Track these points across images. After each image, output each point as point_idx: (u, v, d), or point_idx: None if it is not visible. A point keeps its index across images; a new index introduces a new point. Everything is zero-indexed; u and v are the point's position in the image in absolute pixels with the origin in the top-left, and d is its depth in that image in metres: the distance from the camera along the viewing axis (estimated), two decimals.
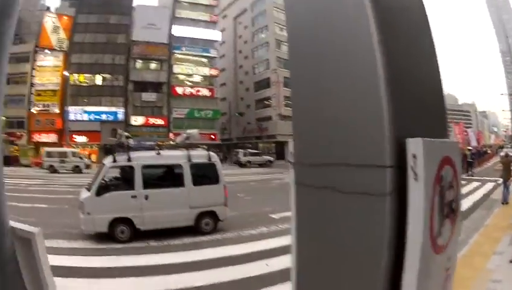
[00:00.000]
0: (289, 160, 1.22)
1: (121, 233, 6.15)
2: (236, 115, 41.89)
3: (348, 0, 0.96)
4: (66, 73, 32.02)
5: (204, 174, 7.03)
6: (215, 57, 40.72)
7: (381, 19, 0.86)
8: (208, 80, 39.61)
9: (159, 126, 35.86)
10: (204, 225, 6.72)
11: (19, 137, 33.23)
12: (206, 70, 39.34)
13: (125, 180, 6.71)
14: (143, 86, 35.52)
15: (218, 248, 5.78)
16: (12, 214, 1.46)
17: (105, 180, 6.46)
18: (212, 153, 7.14)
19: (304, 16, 1.12)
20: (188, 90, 37.55)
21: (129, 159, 6.46)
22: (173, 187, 6.65)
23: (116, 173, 7.04)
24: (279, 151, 35.38)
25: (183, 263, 4.91)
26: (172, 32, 37.40)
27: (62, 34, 36.10)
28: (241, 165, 29.74)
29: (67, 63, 34.83)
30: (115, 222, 6.08)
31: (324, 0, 1.06)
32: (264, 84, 42.62)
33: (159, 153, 6.84)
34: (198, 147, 7.70)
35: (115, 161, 6.49)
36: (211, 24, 40.70)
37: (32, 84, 35.12)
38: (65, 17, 36.73)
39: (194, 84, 38.42)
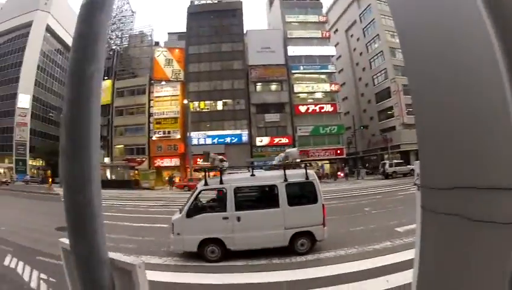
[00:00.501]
0: (415, 183, 1.99)
1: (211, 253, 9.78)
2: (361, 128, 61.60)
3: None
4: (185, 101, 55.21)
5: (302, 194, 10.54)
6: (333, 72, 62.88)
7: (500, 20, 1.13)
8: (330, 96, 60.99)
9: (284, 145, 55.91)
10: (299, 246, 9.94)
11: (139, 163, 56.98)
12: (327, 86, 60.82)
13: (217, 202, 11.13)
14: (265, 108, 57.93)
15: (340, 264, 9.02)
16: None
17: (196, 203, 10.45)
18: (310, 172, 10.51)
19: (412, 18, 1.64)
20: (311, 107, 58.87)
21: (221, 182, 10.19)
22: (267, 208, 10.13)
23: (212, 195, 11.69)
24: (405, 161, 51.11)
25: (305, 280, 8.03)
26: (288, 53, 60.61)
27: (176, 66, 62.47)
28: (387, 176, 46.26)
29: (185, 91, 59.69)
30: (205, 243, 9.79)
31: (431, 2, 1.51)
32: (385, 94, 63.60)
33: (253, 175, 10.61)
34: (298, 165, 11.63)
35: (206, 183, 10.37)
36: (323, 40, 63.73)
37: (150, 114, 60.67)
38: (176, 50, 63.70)
39: (316, 101, 59.94)
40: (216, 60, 60.21)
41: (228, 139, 56.60)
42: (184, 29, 66.35)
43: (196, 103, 57.47)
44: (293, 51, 59.98)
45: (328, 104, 59.06)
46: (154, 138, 59.45)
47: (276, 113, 57.65)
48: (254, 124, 57.31)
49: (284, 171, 10.22)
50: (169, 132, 59.00)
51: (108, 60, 71.53)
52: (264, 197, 10.85)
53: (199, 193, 10.44)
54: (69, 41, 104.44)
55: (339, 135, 58.64)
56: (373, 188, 31.63)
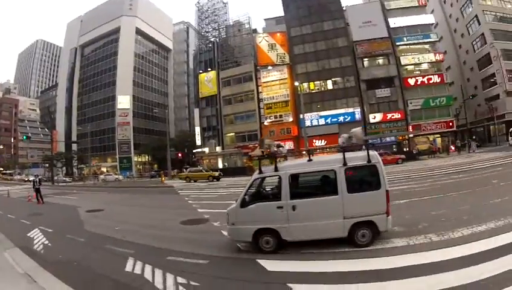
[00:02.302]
0: None
1: (265, 244, 9.43)
2: (470, 98, 58.78)
3: None
4: (296, 83, 55.72)
5: (363, 179, 9.52)
6: (436, 41, 61.26)
7: None
8: (435, 66, 59.57)
9: (397, 120, 56.33)
10: (360, 237, 9.07)
11: (252, 149, 57.40)
12: (431, 56, 59.31)
13: (272, 190, 10.45)
14: (375, 83, 57.53)
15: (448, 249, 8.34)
16: None
17: (250, 192, 10.01)
18: (372, 153, 9.38)
19: None
20: (419, 79, 57.69)
21: (276, 169, 9.61)
22: (324, 196, 9.30)
23: (271, 183, 10.69)
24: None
25: (430, 264, 7.48)
26: (390, 25, 59.81)
27: (280, 50, 63.74)
28: None
29: (293, 74, 60.63)
30: (260, 233, 9.44)
31: None
32: (486, 61, 61.26)
33: (310, 160, 9.74)
34: (360, 148, 10.37)
35: (261, 171, 9.87)
36: (421, 8, 61.78)
37: (260, 100, 62.42)
38: (278, 34, 64.71)
39: (423, 73, 58.53)
40: (320, 39, 60.82)
41: (341, 118, 57.02)
42: (280, 14, 67.69)
43: (306, 84, 58.05)
44: (394, 22, 59.08)
45: (435, 74, 57.67)
46: (266, 123, 61.44)
47: (386, 88, 56.90)
48: (366, 100, 56.96)
49: (344, 154, 9.37)
50: (281, 116, 60.50)
51: (209, 52, 76.35)
52: (322, 183, 10.13)
53: (253, 181, 10.07)
54: (161, 39, 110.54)
55: (448, 107, 57.07)
56: (491, 161, 30.51)
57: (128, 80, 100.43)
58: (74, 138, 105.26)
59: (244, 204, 9.72)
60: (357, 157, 9.39)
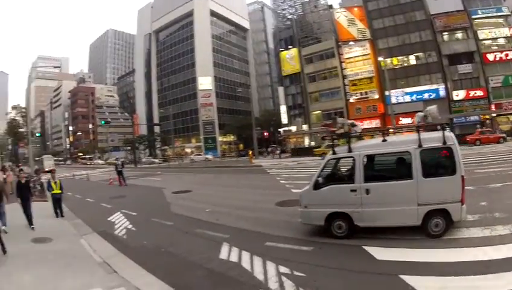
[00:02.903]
0: None
1: (337, 228, 10.00)
2: None
3: None
4: (380, 58, 61.77)
5: (438, 163, 9.71)
6: (508, 15, 63.70)
7: None
8: (511, 41, 62.50)
9: (479, 98, 59.69)
10: (433, 227, 9.19)
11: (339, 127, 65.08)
12: (506, 31, 62.58)
13: (346, 172, 11.17)
14: (456, 58, 62.13)
15: None
16: None
17: (324, 174, 10.65)
18: (448, 134, 9.37)
19: None
20: (498, 55, 61.45)
21: (350, 150, 10.07)
22: (399, 179, 9.58)
23: (346, 165, 11.35)
24: None
25: None
26: None
27: (360, 24, 69.85)
28: None
29: (375, 49, 67.07)
30: (332, 217, 10.01)
31: None
32: None
33: (385, 140, 9.96)
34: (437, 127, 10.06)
35: (334, 152, 10.48)
36: None
37: (344, 76, 69.17)
38: (355, 9, 70.93)
39: (501, 48, 62.13)
40: (397, 13, 65.54)
41: (426, 95, 60.82)
42: None
43: (388, 60, 61.57)
44: None
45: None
46: (351, 100, 67.29)
47: (467, 64, 60.02)
48: (449, 77, 60.57)
49: (419, 135, 9.46)
50: (366, 93, 66.03)
51: (288, 29, 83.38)
52: (396, 166, 10.30)
53: (327, 162, 10.55)
54: (237, 19, 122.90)
55: None
56: None
57: (208, 61, 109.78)
58: (156, 120, 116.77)
59: (317, 186, 10.24)
60: (432, 139, 9.44)
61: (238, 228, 12.38)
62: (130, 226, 14.34)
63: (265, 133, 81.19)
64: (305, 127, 74.24)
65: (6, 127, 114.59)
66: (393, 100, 58.07)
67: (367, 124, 62.94)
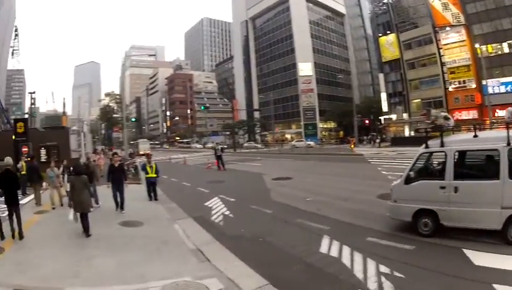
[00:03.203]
0: None
1: (423, 226, 10.07)
2: None
3: None
4: (477, 45, 62.61)
5: None
6: None
7: None
8: None
9: None
10: None
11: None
12: None
13: (437, 167, 11.14)
14: None
15: None
16: None
17: (416, 168, 10.80)
18: None
19: None
20: None
21: (442, 144, 10.11)
22: (486, 179, 9.52)
23: (438, 159, 11.34)
24: None
25: None
26: None
27: (454, 9, 68.78)
28: None
29: (470, 35, 67.24)
30: (419, 213, 10.13)
31: None
32: None
33: (476, 136, 9.79)
34: None
35: (427, 146, 10.58)
36: None
37: (443, 63, 70.47)
38: None
39: None
40: None
41: None
42: None
43: (484, 47, 60.79)
44: None
45: None
46: (450, 89, 67.62)
47: None
48: None
49: (508, 132, 9.10)
50: (464, 82, 66.01)
51: (384, 14, 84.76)
52: (485, 164, 10.36)
53: (419, 156, 10.72)
54: (333, 5, 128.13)
55: None
56: None
57: (307, 47, 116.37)
58: (256, 106, 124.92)
59: (408, 180, 10.47)
60: None
61: (339, 220, 12.53)
62: (227, 213, 14.73)
63: (366, 121, 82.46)
64: (405, 115, 75.70)
65: (99, 112, 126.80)
66: (490, 90, 57.79)
67: (465, 115, 64.75)
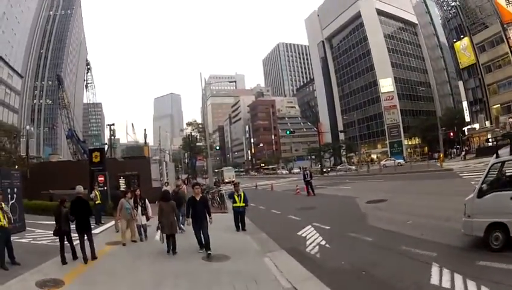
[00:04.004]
0: None
1: (495, 240, 10.10)
2: None
3: None
4: None
5: None
6: None
7: None
8: None
9: None
10: None
11: None
12: None
13: (508, 177, 11.11)
14: None
15: None
16: None
17: (488, 180, 10.75)
18: None
19: None
20: None
21: None
22: None
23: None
24: None
25: None
26: None
27: None
28: None
29: None
30: (491, 227, 10.12)
31: None
32: None
33: None
34: None
35: (497, 155, 10.53)
36: None
37: None
38: None
39: None
40: None
41: None
42: None
43: None
44: None
45: None
46: None
47: None
48: None
49: None
50: None
51: (455, 17, 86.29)
52: None
53: (491, 167, 10.82)
54: (404, 15, 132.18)
55: None
56: None
57: (385, 62, 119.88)
58: (340, 127, 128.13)
59: (481, 194, 10.48)
60: None
61: (445, 244, 11.81)
62: (323, 242, 14.03)
63: (450, 134, 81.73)
64: (487, 123, 75.30)
65: (182, 142, 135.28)
66: None
67: None
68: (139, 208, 16.56)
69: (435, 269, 9.34)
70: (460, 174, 35.05)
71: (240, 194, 18.11)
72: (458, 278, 8.51)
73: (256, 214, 23.47)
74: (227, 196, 24.32)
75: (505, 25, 69.90)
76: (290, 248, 13.37)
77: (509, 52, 69.80)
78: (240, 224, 17.86)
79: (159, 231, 13.73)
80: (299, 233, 16.36)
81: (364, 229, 15.79)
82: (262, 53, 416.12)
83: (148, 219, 16.86)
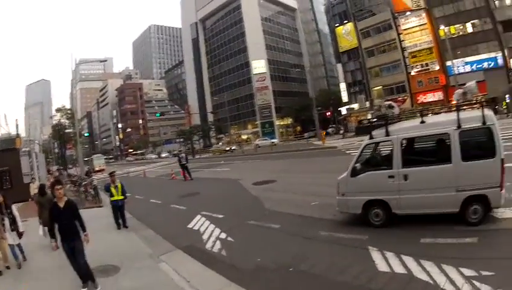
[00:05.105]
0: None
1: (375, 217, 10.21)
2: None
3: None
4: (442, 27, 61.87)
5: (477, 145, 9.48)
6: None
7: None
8: None
9: None
10: (471, 214, 9.15)
11: (402, 101, 67.25)
12: None
13: (383, 157, 11.22)
14: (510, 25, 60.65)
15: None
16: None
17: (361, 159, 10.93)
18: (488, 113, 9.11)
19: None
20: None
21: (387, 133, 10.06)
22: (438, 164, 9.49)
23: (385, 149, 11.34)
24: None
25: None
26: None
27: None
28: None
29: (431, 18, 67.78)
30: (369, 205, 10.23)
31: None
32: None
33: (423, 122, 9.85)
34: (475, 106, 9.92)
35: (371, 137, 10.57)
36: None
37: (403, 48, 70.46)
38: None
39: None
40: None
41: (485, 64, 60.87)
42: None
43: (446, 29, 59.90)
44: None
45: None
46: (413, 73, 68.27)
47: None
48: (505, 44, 59.55)
49: (458, 115, 9.27)
50: (427, 64, 66.75)
51: (341, 3, 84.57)
52: (435, 149, 10.36)
53: (364, 148, 10.66)
54: (286, 1, 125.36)
55: None
56: None
57: (260, 44, 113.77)
58: (209, 109, 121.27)
59: (354, 173, 10.42)
60: (471, 118, 9.23)
61: (368, 225, 10.32)
62: (222, 235, 11.70)
63: (327, 113, 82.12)
64: (367, 104, 74.61)
65: (51, 131, 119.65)
66: (455, 71, 57.83)
67: (430, 98, 66.36)
68: (6, 220, 10.58)
69: (376, 255, 8.20)
70: (346, 151, 33.57)
71: (117, 185, 15.00)
72: (410, 260, 7.61)
73: (135, 205, 19.39)
74: (102, 188, 19.34)
75: (396, 14, 70.82)
76: (187, 247, 10.92)
77: (396, 38, 71.17)
78: (120, 220, 14.78)
79: (41, 225, 11.49)
80: (190, 226, 13.70)
81: (265, 215, 13.66)
82: (134, 35, 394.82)
83: (20, 235, 10.87)
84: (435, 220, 9.53)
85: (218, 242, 11.06)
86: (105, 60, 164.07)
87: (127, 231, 14.12)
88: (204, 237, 11.92)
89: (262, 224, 12.38)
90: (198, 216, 14.70)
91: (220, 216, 14.27)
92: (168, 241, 11.81)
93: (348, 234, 9.87)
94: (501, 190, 8.91)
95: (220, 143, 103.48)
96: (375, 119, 11.81)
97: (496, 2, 62.22)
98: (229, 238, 11.29)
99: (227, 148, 77.56)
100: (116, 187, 14.80)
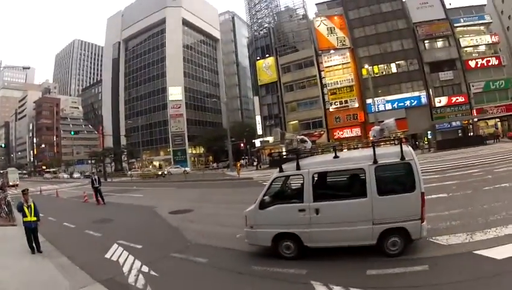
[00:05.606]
0: None
1: (286, 249, 9.55)
2: None
3: None
4: (366, 66, 59.86)
5: (395, 179, 9.28)
6: (490, 23, 66.17)
7: None
8: (492, 48, 64.53)
9: (461, 104, 61.65)
10: (390, 246, 8.82)
11: (318, 136, 64.10)
12: (488, 38, 64.42)
13: (294, 191, 10.78)
14: (438, 66, 62.80)
15: None
16: None
17: (270, 192, 10.34)
18: (407, 149, 8.97)
19: None
20: (479, 61, 62.68)
21: (298, 167, 9.60)
22: (352, 198, 9.08)
23: (295, 182, 11.09)
24: None
25: None
26: (445, 6, 64.95)
27: (340, 33, 68.91)
28: None
29: (355, 58, 66.17)
30: (280, 237, 9.55)
31: None
32: None
33: (336, 156, 9.44)
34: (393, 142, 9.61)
35: (281, 170, 9.96)
36: None
37: (323, 85, 67.83)
38: (335, 17, 69.88)
39: (482, 55, 63.63)
40: (379, 21, 66.49)
41: (408, 103, 62.53)
42: None
43: (370, 68, 59.79)
44: (450, 3, 64.47)
45: (493, 57, 62.49)
46: (331, 109, 66.78)
47: (449, 71, 61.76)
48: (430, 84, 62.05)
49: (374, 150, 9.02)
50: (346, 101, 65.81)
51: (265, 38, 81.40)
52: (349, 183, 9.97)
53: (273, 180, 10.15)
54: (208, 29, 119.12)
55: (507, 90, 61.38)
56: None
57: (178, 71, 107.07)
58: (123, 132, 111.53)
59: (263, 205, 9.82)
60: (389, 154, 9.08)
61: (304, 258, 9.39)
62: (145, 269, 9.72)
63: (241, 144, 79.95)
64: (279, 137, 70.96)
65: None
66: (375, 108, 57.17)
67: (347, 133, 65.71)
68: None
69: (320, 288, 7.32)
70: (264, 183, 25.11)
71: (30, 205, 12.74)
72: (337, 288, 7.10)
73: (48, 228, 16.21)
74: (15, 206, 16.06)
75: (319, 51, 70.69)
76: (107, 280, 9.04)
77: (317, 75, 70.39)
78: (33, 244, 12.55)
79: None
80: (107, 255, 11.47)
81: (188, 247, 11.98)
82: (58, 48, 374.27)
83: None
84: (374, 250, 8.90)
85: (141, 276, 9.15)
86: (29, 67, 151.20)
87: (41, 256, 12.00)
88: (125, 269, 9.86)
89: (187, 257, 10.67)
90: (115, 245, 12.57)
91: (139, 246, 12.27)
92: (85, 272, 9.74)
93: (284, 268, 8.76)
94: (422, 222, 8.75)
95: (136, 167, 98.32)
96: (284, 153, 11.06)
97: (426, 44, 64.95)
98: (153, 273, 9.36)
99: (160, 173, 70.73)
100: (29, 207, 12.69)
